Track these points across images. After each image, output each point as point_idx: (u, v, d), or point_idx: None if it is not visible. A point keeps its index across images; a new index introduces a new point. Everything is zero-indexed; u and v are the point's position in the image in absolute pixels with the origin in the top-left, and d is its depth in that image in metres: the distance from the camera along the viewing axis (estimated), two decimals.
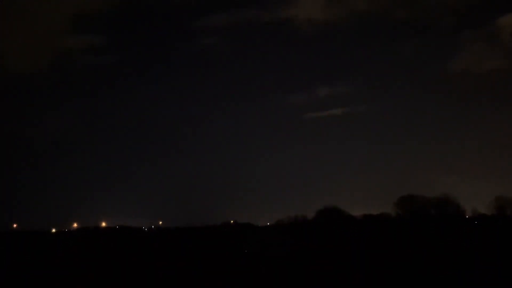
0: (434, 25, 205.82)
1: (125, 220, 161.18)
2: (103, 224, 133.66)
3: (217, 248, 54.20)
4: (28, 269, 36.81)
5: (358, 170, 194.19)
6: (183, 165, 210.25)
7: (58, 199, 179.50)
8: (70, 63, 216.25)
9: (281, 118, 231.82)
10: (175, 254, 48.86)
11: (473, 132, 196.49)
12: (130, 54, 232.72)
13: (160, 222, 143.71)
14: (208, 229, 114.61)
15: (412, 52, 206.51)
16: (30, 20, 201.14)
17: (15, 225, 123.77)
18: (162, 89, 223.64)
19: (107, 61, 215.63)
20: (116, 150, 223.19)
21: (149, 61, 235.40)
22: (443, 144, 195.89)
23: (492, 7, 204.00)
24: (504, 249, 38.99)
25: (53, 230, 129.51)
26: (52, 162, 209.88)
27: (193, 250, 53.51)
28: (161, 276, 31.06)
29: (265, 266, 33.70)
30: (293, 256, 39.79)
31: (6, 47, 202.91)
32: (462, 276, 26.18)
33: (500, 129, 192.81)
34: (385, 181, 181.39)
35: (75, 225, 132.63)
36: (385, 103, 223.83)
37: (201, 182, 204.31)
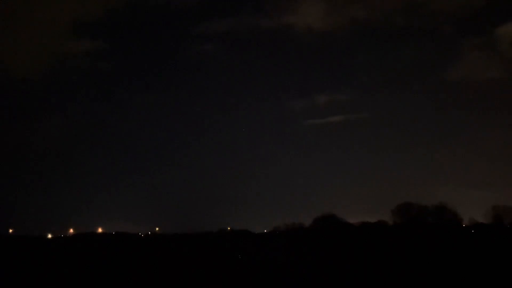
0: (434, 33, 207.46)
1: (121, 226, 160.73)
2: (99, 230, 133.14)
3: (213, 255, 54.03)
4: (24, 275, 36.60)
5: (355, 178, 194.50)
6: (181, 171, 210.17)
7: (54, 205, 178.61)
8: (69, 68, 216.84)
9: (280, 125, 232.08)
10: (171, 260, 48.68)
11: (471, 141, 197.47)
12: (129, 60, 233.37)
13: (157, 229, 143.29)
14: (205, 235, 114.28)
15: (411, 60, 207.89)
16: (31, 25, 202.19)
17: (11, 230, 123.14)
18: (160, 96, 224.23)
19: (106, 67, 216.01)
20: (113, 155, 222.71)
21: (147, 67, 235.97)
22: (441, 152, 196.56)
23: (492, 15, 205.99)
24: (500, 258, 39.02)
25: (49, 236, 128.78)
26: (49, 167, 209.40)
27: (189, 256, 53.32)
28: (158, 282, 30.99)
29: (262, 273, 33.64)
30: (289, 263, 39.71)
31: (6, 52, 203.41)
32: (458, 285, 26.24)
33: (498, 138, 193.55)
34: (383, 188, 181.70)
35: (71, 230, 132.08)
36: (384, 110, 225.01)
37: (198, 188, 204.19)
